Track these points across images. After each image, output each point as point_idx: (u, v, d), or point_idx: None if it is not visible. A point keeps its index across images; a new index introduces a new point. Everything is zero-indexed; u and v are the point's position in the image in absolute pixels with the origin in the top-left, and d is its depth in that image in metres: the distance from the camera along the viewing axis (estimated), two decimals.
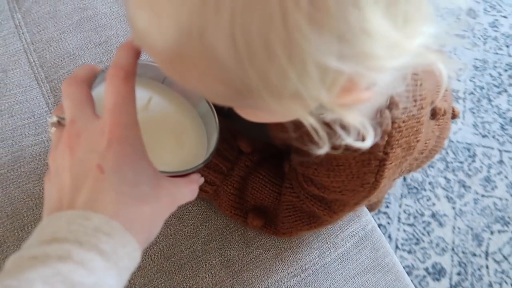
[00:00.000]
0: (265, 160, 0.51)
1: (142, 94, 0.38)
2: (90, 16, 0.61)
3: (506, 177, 1.12)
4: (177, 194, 0.34)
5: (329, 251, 0.53)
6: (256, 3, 0.19)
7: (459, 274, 1.02)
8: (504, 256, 1.04)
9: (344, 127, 0.27)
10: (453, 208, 1.09)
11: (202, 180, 0.38)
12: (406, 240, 1.06)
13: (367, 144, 0.27)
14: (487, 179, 1.12)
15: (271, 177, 0.49)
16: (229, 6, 0.19)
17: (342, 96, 0.24)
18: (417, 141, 0.38)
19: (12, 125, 0.54)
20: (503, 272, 1.02)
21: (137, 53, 0.31)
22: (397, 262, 0.55)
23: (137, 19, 0.24)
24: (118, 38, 0.60)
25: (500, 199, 1.10)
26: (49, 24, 0.60)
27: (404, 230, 1.07)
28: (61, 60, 0.58)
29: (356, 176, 0.38)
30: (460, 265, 1.04)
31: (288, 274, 0.51)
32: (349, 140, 0.27)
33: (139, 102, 0.32)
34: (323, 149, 0.27)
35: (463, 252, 1.05)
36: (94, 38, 0.60)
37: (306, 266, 0.52)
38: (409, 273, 1.01)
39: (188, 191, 0.35)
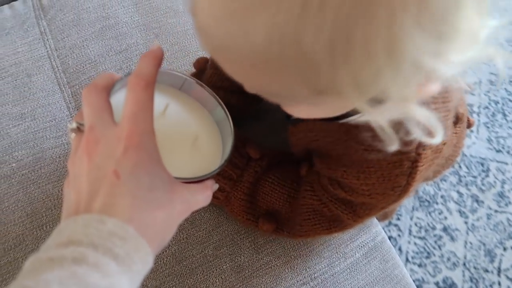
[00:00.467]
0: (274, 165, 0.51)
1: (159, 101, 0.39)
2: (111, 24, 0.63)
3: None
4: (191, 200, 0.35)
5: (339, 261, 0.53)
6: (363, 7, 0.20)
7: None
8: None
9: (399, 124, 0.27)
10: (466, 222, 1.08)
11: (216, 186, 0.39)
12: (417, 253, 1.05)
13: (437, 139, 0.27)
14: (501, 195, 1.11)
15: (281, 180, 0.50)
16: (333, 12, 0.20)
17: (417, 91, 0.25)
18: (444, 144, 0.38)
19: (34, 128, 0.56)
20: None
21: (158, 63, 0.33)
22: (406, 274, 0.55)
23: (217, 27, 0.24)
24: (138, 46, 0.62)
25: None
26: (72, 31, 0.62)
27: (415, 243, 1.07)
28: (83, 67, 0.60)
29: (387, 178, 0.38)
30: (471, 281, 1.02)
31: (298, 282, 0.52)
32: (420, 136, 0.27)
33: (156, 108, 0.33)
34: (393, 147, 0.27)
35: (475, 268, 1.04)
36: (115, 46, 0.62)
37: (315, 275, 0.52)
38: (419, 287, 1.01)
39: (202, 197, 0.36)
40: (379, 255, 0.55)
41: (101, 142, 0.31)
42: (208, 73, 0.53)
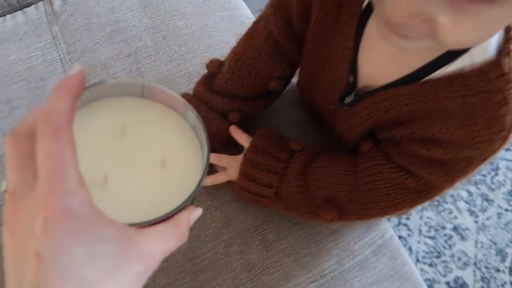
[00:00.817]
0: (318, 153, 0.51)
1: (116, 120, 0.33)
2: (121, 28, 0.64)
3: None
4: (155, 251, 0.27)
5: (348, 258, 0.54)
6: None
7: None
8: None
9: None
10: (476, 222, 1.08)
11: (199, 212, 0.31)
12: (427, 253, 1.05)
13: None
14: (511, 193, 1.10)
15: (332, 164, 0.49)
16: None
17: None
18: None
19: None
20: None
21: (73, 96, 0.25)
22: (415, 272, 0.55)
23: None
24: (147, 49, 0.63)
25: None
26: (83, 35, 0.64)
27: (425, 243, 1.06)
28: (94, 70, 0.61)
29: (494, 120, 0.36)
30: (483, 280, 1.02)
31: (307, 279, 0.52)
32: None
33: (112, 131, 0.29)
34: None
35: (486, 267, 1.03)
36: (125, 49, 0.63)
37: (324, 272, 0.53)
38: (430, 287, 1.00)
39: (172, 240, 0.28)
40: (388, 252, 0.55)
41: (20, 213, 0.25)
42: (224, 78, 0.53)
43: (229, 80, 0.52)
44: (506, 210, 1.08)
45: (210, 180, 0.54)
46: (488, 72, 0.35)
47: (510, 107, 0.36)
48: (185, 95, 0.55)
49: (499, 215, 1.08)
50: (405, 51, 0.39)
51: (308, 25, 0.46)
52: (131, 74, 0.61)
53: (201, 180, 0.29)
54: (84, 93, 0.27)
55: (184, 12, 0.67)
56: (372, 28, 0.41)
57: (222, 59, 0.55)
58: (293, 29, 0.48)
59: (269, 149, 0.50)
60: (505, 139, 0.37)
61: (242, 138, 0.53)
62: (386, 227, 0.57)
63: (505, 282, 1.01)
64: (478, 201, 1.10)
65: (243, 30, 0.68)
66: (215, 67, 0.54)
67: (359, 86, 0.45)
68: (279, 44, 0.50)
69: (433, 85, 0.38)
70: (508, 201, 1.09)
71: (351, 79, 0.44)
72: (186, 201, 0.28)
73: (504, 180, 1.11)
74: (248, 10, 0.73)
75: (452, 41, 0.29)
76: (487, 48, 0.35)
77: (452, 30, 0.27)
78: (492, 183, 1.11)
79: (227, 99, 0.53)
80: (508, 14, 0.27)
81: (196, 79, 0.61)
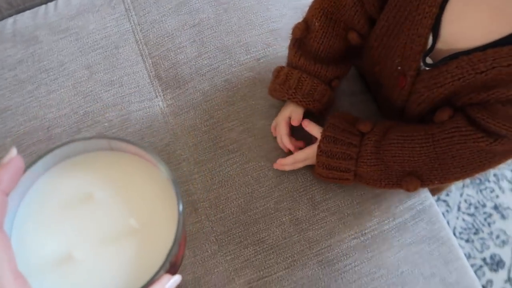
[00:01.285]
0: (389, 127, 0.52)
1: (82, 182, 0.30)
2: (186, 1, 0.70)
3: None
4: None
5: (388, 220, 0.58)
6: None
7: None
8: None
9: None
10: None
11: (177, 280, 0.27)
12: (465, 229, 1.06)
13: None
14: None
15: (406, 137, 0.49)
16: None
17: None
18: None
19: (121, 93, 0.65)
20: None
21: (3, 193, 0.24)
22: (452, 237, 0.59)
23: None
24: (209, 21, 0.68)
25: None
26: (153, 8, 0.70)
27: (463, 219, 1.08)
28: (162, 39, 0.68)
29: None
30: None
31: (349, 236, 0.58)
32: None
33: (78, 196, 0.28)
34: None
35: None
36: (189, 20, 0.69)
37: (366, 231, 0.58)
38: None
39: None
40: (426, 217, 0.59)
41: None
42: (316, 39, 0.54)
43: (322, 37, 0.53)
44: None
45: (288, 160, 0.58)
46: None
47: None
48: (281, 68, 0.58)
49: None
50: (502, 10, 0.39)
51: None
52: (194, 44, 0.67)
53: (173, 245, 0.26)
54: (50, 155, 0.27)
55: None
56: None
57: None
58: None
59: (340, 137, 0.53)
60: None
61: (315, 131, 0.56)
62: (427, 195, 0.61)
63: None
64: None
65: (299, 3, 0.71)
66: (303, 30, 0.55)
67: (437, 47, 0.45)
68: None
69: None
70: None
71: (431, 39, 0.45)
72: (158, 271, 0.26)
73: None
74: None
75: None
76: None
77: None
78: None
79: (325, 65, 0.55)
80: None
81: (254, 49, 0.66)
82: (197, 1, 0.70)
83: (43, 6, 0.74)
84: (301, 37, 0.56)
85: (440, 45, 0.45)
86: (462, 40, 0.43)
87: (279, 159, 0.59)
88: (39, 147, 0.63)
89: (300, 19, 0.57)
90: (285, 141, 0.58)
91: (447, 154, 0.47)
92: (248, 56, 0.66)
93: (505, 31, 0.40)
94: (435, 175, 0.49)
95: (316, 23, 0.54)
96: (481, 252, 1.04)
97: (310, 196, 0.59)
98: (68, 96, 0.65)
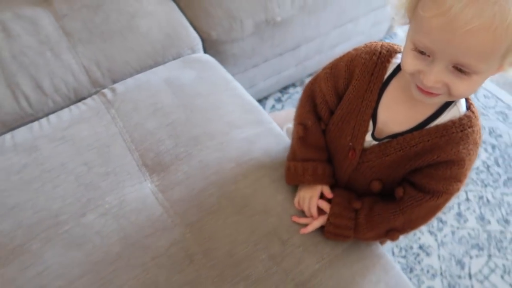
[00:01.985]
0: (373, 202, 0.72)
1: None
2: (159, 108, 0.90)
3: (474, 211, 1.31)
4: None
5: (338, 246, 0.76)
6: None
7: None
8: (484, 276, 1.19)
9: None
10: (436, 240, 1.25)
11: None
12: (402, 269, 1.21)
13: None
14: (459, 214, 1.30)
15: (384, 210, 0.70)
16: None
17: None
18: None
19: (116, 181, 0.80)
20: None
21: None
22: (385, 252, 0.78)
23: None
24: (180, 120, 0.89)
25: (472, 229, 1.27)
26: (134, 114, 0.89)
27: (399, 262, 1.22)
28: (145, 137, 0.86)
29: (474, 142, 0.60)
30: (450, 287, 1.17)
31: (313, 262, 0.74)
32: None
33: None
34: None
35: (450, 276, 1.19)
36: (164, 120, 0.89)
37: (324, 256, 0.75)
38: None
39: None
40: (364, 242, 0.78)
41: None
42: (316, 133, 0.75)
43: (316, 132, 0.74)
44: (458, 228, 1.27)
45: (311, 228, 0.75)
46: (470, 117, 0.60)
47: (478, 135, 0.62)
48: (301, 165, 0.76)
49: (453, 232, 1.26)
50: (415, 105, 0.61)
51: (349, 86, 0.67)
52: (171, 138, 0.86)
53: None
54: None
55: (200, 93, 0.94)
56: (391, 89, 0.63)
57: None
58: (337, 88, 0.69)
59: (342, 213, 0.73)
60: (476, 152, 0.62)
61: (324, 205, 0.75)
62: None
63: (468, 286, 1.15)
64: (435, 223, 1.27)
65: (244, 101, 0.94)
66: (304, 130, 0.75)
67: (378, 128, 0.66)
68: (325, 97, 0.71)
69: (444, 127, 0.61)
70: (458, 220, 1.28)
71: (371, 124, 0.66)
72: None
73: (452, 205, 1.31)
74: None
75: (458, 95, 0.51)
76: (464, 104, 0.61)
77: (458, 88, 0.50)
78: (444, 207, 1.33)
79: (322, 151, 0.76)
80: (485, 76, 0.49)
81: (217, 136, 0.86)
82: (168, 107, 0.91)
83: (36, 122, 0.89)
84: (304, 135, 0.75)
85: (380, 126, 0.66)
86: (391, 123, 0.65)
87: (301, 229, 0.76)
88: (49, 233, 0.73)
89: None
90: (313, 212, 0.76)
91: (411, 215, 0.68)
92: (213, 142, 0.86)
93: (420, 119, 0.62)
94: (407, 227, 0.71)
95: (309, 122, 0.75)
96: (419, 287, 1.20)
97: (279, 236, 0.76)
98: (71, 188, 0.78)
